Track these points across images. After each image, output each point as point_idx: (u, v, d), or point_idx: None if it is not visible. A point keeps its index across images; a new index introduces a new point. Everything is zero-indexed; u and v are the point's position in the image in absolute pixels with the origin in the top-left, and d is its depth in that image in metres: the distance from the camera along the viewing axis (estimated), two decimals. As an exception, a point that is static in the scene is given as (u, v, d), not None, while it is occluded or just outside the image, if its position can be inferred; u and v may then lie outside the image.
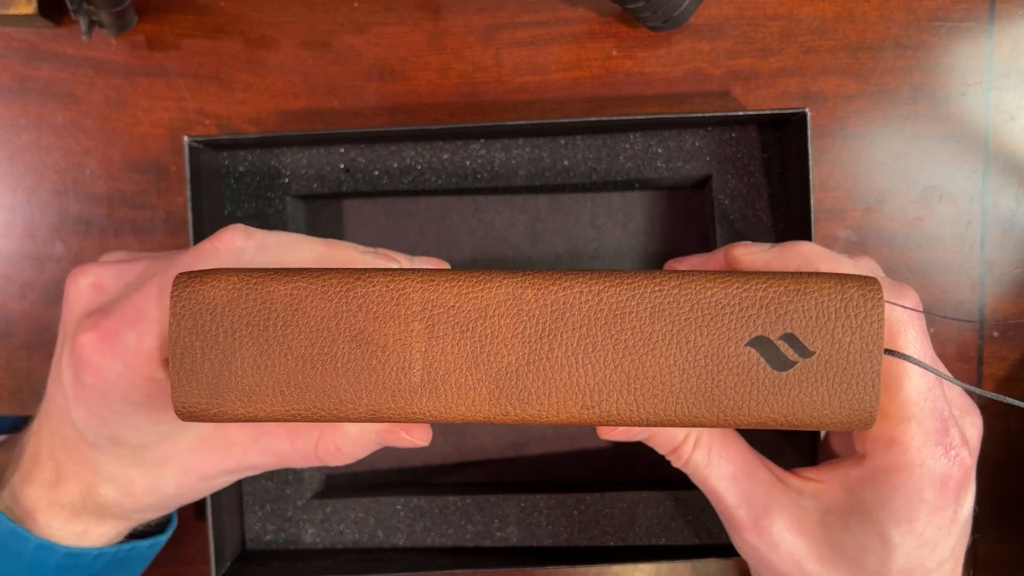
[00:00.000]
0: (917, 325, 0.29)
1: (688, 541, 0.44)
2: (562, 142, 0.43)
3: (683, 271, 0.26)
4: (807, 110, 0.40)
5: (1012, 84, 0.45)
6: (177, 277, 0.26)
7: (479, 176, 0.43)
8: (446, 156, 0.43)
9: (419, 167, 0.43)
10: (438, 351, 0.26)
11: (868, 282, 0.26)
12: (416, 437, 0.33)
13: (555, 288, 0.26)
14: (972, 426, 0.32)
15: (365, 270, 0.26)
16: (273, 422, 0.27)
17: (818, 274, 0.26)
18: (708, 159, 0.43)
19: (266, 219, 0.44)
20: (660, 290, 0.26)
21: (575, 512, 0.44)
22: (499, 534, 0.44)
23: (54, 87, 0.46)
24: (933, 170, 0.45)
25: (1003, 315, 0.45)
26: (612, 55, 0.45)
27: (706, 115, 0.41)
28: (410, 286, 0.26)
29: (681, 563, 0.46)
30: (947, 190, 0.45)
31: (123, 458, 0.34)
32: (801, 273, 0.26)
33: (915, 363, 0.27)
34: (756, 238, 0.43)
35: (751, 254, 0.33)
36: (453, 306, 0.26)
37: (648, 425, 0.26)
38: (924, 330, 0.29)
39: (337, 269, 0.27)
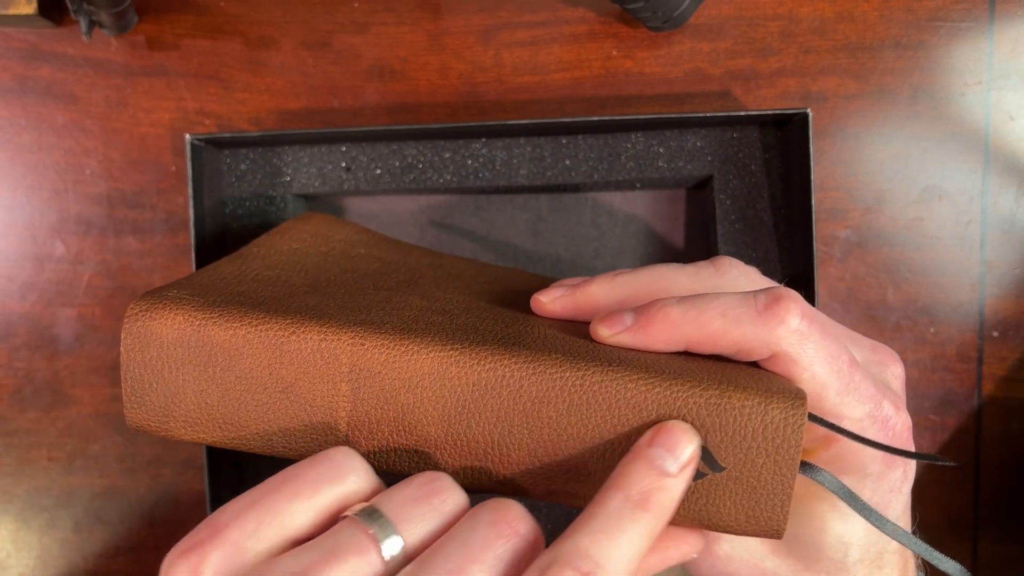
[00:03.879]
0: (815, 338, 0.27)
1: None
2: (564, 142, 0.43)
3: (609, 367, 0.26)
4: (808, 110, 0.40)
5: (1012, 84, 0.45)
6: (131, 306, 0.27)
7: (480, 175, 0.43)
8: (448, 155, 0.43)
9: (420, 166, 0.43)
10: (362, 412, 0.27)
11: (795, 404, 0.25)
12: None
13: (479, 369, 0.26)
14: (895, 376, 0.30)
15: (300, 323, 0.27)
16: (203, 442, 0.28)
17: (744, 389, 0.25)
18: (709, 159, 0.43)
19: (267, 217, 0.44)
20: (581, 384, 0.26)
21: (574, 512, 0.44)
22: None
23: (54, 87, 0.46)
24: (933, 170, 0.45)
25: (1003, 315, 0.45)
26: (612, 55, 0.45)
27: (707, 115, 0.41)
28: (340, 347, 0.26)
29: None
30: (947, 190, 0.45)
31: None
32: (727, 386, 0.25)
33: (827, 484, 0.27)
34: (757, 239, 0.43)
35: (598, 291, 0.31)
36: (379, 372, 0.26)
37: (548, 501, 0.27)
38: (823, 336, 0.27)
39: (275, 318, 0.27)
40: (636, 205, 0.46)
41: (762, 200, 0.43)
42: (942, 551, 0.32)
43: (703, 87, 0.45)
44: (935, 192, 0.45)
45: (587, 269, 0.46)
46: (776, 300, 0.27)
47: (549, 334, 0.28)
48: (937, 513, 0.46)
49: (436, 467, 0.27)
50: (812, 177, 0.40)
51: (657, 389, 0.25)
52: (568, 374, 0.26)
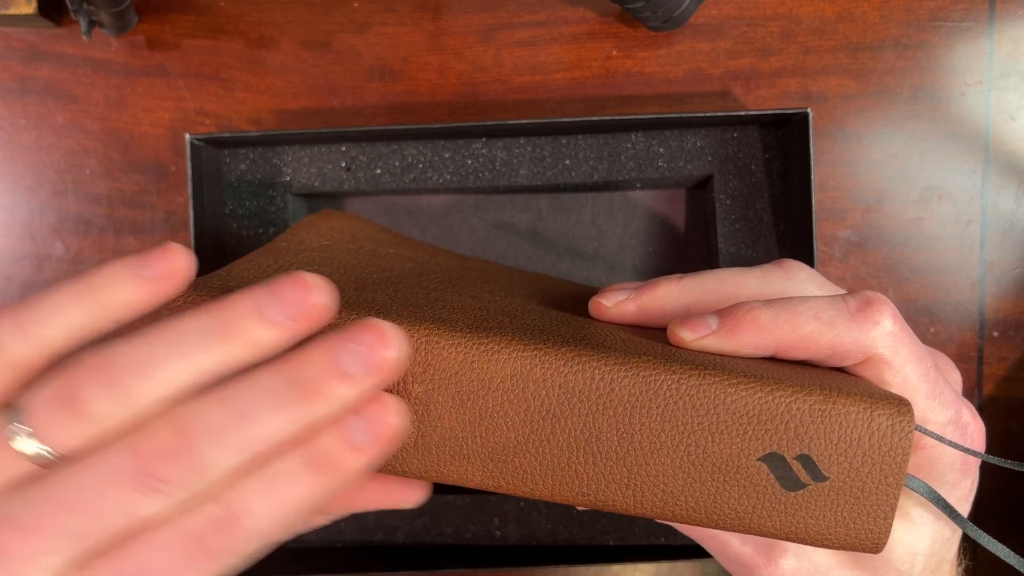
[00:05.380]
0: (907, 341, 0.27)
1: (688, 541, 0.44)
2: (564, 141, 0.43)
3: (706, 371, 0.24)
4: (809, 110, 0.40)
5: (1012, 84, 0.45)
6: (181, 300, 0.24)
7: (480, 175, 0.43)
8: (448, 155, 0.43)
9: (420, 165, 0.43)
10: (435, 417, 0.25)
11: (901, 411, 0.24)
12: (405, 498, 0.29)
13: (566, 371, 0.24)
14: (956, 383, 0.30)
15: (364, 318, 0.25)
16: None
17: (848, 395, 0.24)
18: (710, 159, 0.43)
19: (267, 217, 0.44)
20: (677, 388, 0.24)
21: (575, 511, 0.44)
22: (498, 533, 0.44)
23: (54, 87, 0.46)
24: (933, 170, 0.45)
25: (1003, 315, 0.45)
26: (612, 55, 0.45)
27: (708, 115, 0.41)
28: (413, 345, 0.24)
29: (681, 563, 0.46)
30: (947, 190, 0.45)
31: None
32: (831, 392, 0.24)
33: (921, 491, 0.26)
34: (757, 238, 0.43)
35: (667, 295, 0.29)
36: (456, 373, 0.24)
37: (638, 515, 0.25)
38: (912, 340, 0.27)
39: (337, 313, 0.24)
40: (636, 205, 0.46)
41: (762, 200, 0.43)
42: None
43: (703, 87, 0.45)
44: (935, 192, 0.45)
45: (587, 269, 0.46)
46: (869, 303, 0.26)
47: (623, 336, 0.27)
48: (937, 513, 0.46)
49: (516, 475, 0.25)
50: (812, 177, 0.40)
51: (758, 394, 0.24)
52: (663, 377, 0.24)
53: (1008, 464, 0.28)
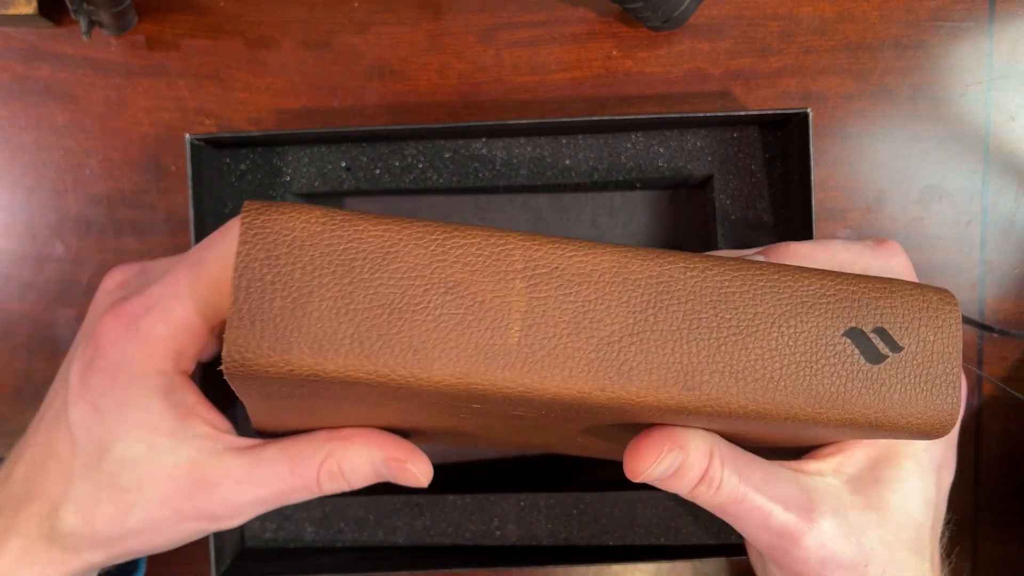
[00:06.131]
0: (914, 277, 0.32)
1: (688, 541, 0.44)
2: (564, 141, 0.43)
3: (778, 264, 0.26)
4: (809, 110, 0.40)
5: (1012, 84, 0.45)
6: (247, 205, 0.23)
7: (480, 175, 0.43)
8: (448, 155, 0.43)
9: (421, 165, 0.43)
10: (539, 312, 0.24)
11: (940, 289, 0.27)
12: (420, 471, 0.32)
13: (661, 261, 0.25)
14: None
15: (461, 224, 0.24)
16: (335, 381, 0.24)
17: (898, 280, 0.27)
18: (710, 159, 0.43)
19: (267, 218, 0.44)
20: (762, 274, 0.26)
21: (575, 511, 0.44)
22: (498, 533, 0.44)
23: (54, 87, 0.46)
24: (933, 170, 0.45)
25: (1003, 315, 0.45)
26: (612, 55, 0.45)
27: (708, 115, 0.41)
28: (512, 242, 0.24)
29: (681, 563, 0.46)
30: (947, 190, 0.45)
31: (98, 475, 0.31)
32: (883, 277, 0.27)
33: (989, 378, 0.31)
34: (757, 238, 0.43)
35: None
36: (557, 267, 0.24)
37: (745, 416, 0.25)
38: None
39: (431, 221, 0.24)
40: (636, 205, 0.46)
41: (762, 200, 0.43)
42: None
43: (703, 87, 0.45)
44: (935, 192, 0.45)
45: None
46: (885, 240, 0.31)
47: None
48: (937, 513, 0.46)
49: (622, 371, 0.25)
50: (812, 177, 0.40)
51: (829, 279, 0.26)
52: (747, 266, 0.26)
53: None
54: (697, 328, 0.25)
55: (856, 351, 0.26)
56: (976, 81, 0.45)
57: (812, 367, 0.26)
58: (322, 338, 0.23)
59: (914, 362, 0.26)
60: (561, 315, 0.24)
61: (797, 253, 0.31)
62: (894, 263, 0.31)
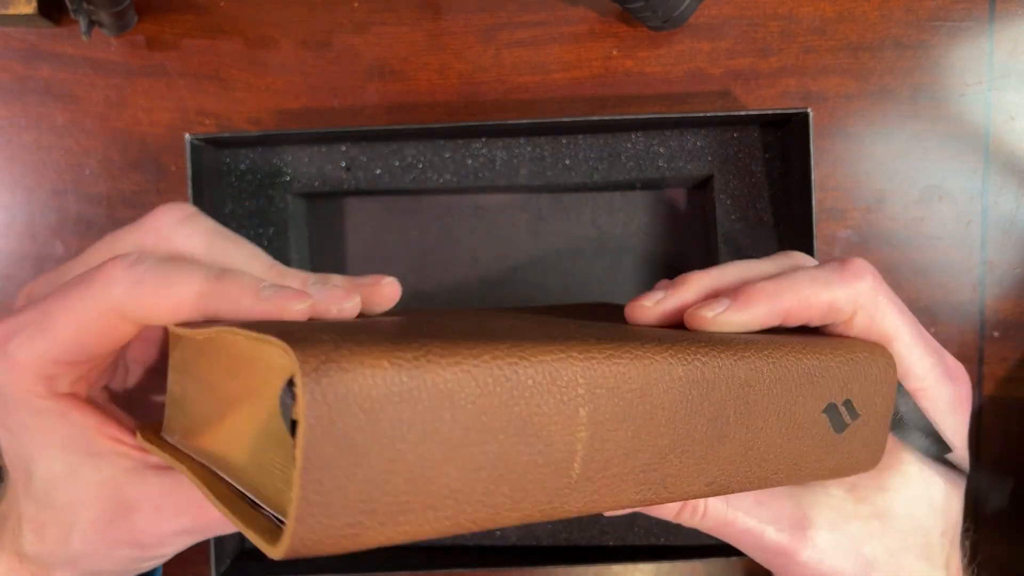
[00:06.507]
0: (884, 291, 0.31)
1: (688, 541, 0.44)
2: (564, 141, 0.43)
3: (780, 338, 0.28)
4: (809, 110, 0.40)
5: (1012, 84, 0.45)
6: (305, 363, 0.19)
7: (480, 175, 0.43)
8: (448, 155, 0.43)
9: (421, 165, 0.43)
10: (599, 442, 0.23)
11: (883, 350, 0.30)
12: None
13: (698, 364, 0.25)
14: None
15: (521, 345, 0.22)
16: (402, 541, 0.21)
17: (853, 344, 0.29)
18: (710, 159, 0.43)
19: (267, 217, 0.44)
20: (773, 360, 0.27)
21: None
22: (498, 533, 0.44)
23: (54, 87, 0.46)
24: (933, 170, 0.45)
25: (1003, 315, 0.45)
26: (612, 55, 0.45)
27: (708, 115, 0.41)
28: (574, 366, 0.22)
29: (681, 563, 0.46)
30: (947, 190, 0.45)
31: (35, 495, 0.29)
32: (846, 344, 0.29)
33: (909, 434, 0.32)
34: (757, 238, 0.43)
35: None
36: (615, 387, 0.23)
37: (742, 491, 0.27)
38: (888, 292, 0.31)
39: (492, 343, 0.22)
40: (636, 205, 0.46)
41: (762, 200, 0.43)
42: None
43: (703, 87, 0.45)
44: (936, 192, 0.45)
45: (587, 269, 0.46)
46: (851, 263, 0.31)
47: (673, 333, 0.28)
48: (937, 513, 0.46)
49: (663, 482, 0.25)
50: (812, 177, 0.40)
51: (815, 356, 0.28)
52: (762, 353, 0.27)
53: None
54: (723, 427, 0.26)
55: (829, 424, 0.28)
56: (976, 81, 0.45)
57: (799, 444, 0.28)
58: (398, 507, 0.20)
59: (866, 426, 0.29)
60: (618, 443, 0.23)
61: (764, 293, 0.30)
62: (861, 287, 0.30)
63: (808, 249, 0.41)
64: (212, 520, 0.29)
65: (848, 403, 0.28)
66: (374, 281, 0.29)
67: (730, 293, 0.29)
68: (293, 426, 0.19)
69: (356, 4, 0.45)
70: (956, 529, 0.33)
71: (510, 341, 0.22)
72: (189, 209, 0.30)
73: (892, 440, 0.31)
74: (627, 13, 0.43)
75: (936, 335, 0.45)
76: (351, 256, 0.46)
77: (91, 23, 0.43)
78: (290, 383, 0.19)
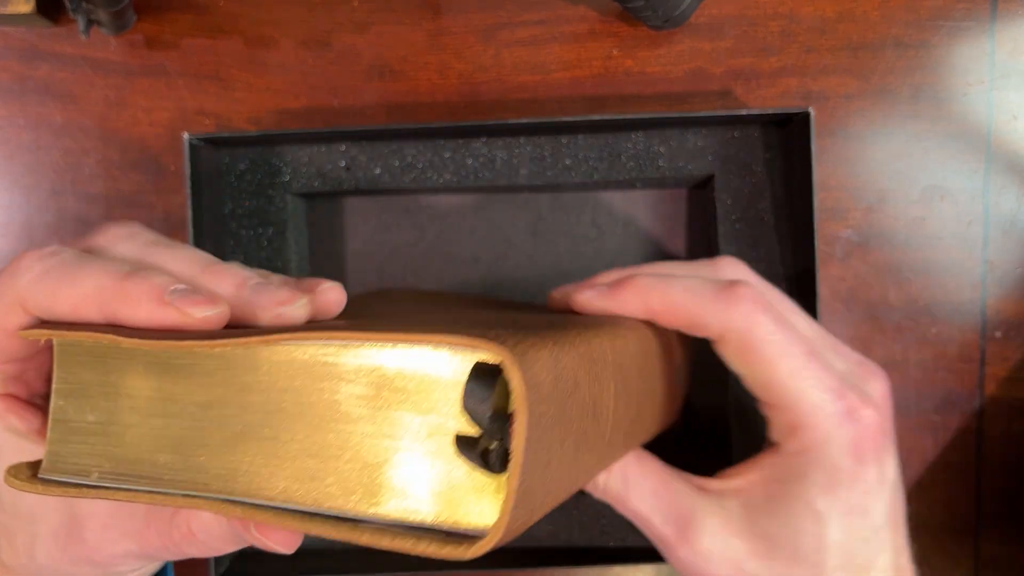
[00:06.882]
0: (767, 327, 0.30)
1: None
2: (564, 141, 0.43)
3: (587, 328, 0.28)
4: (811, 109, 0.40)
5: (1014, 84, 0.45)
6: (507, 359, 0.19)
7: (480, 174, 0.43)
8: (448, 154, 0.43)
9: (420, 165, 0.43)
10: (621, 407, 0.27)
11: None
12: (275, 542, 0.26)
13: (641, 339, 0.30)
14: (875, 390, 0.31)
15: (584, 329, 0.25)
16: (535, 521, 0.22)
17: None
18: (710, 158, 0.43)
19: (266, 217, 0.44)
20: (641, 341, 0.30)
21: (574, 512, 0.44)
22: (499, 535, 0.44)
23: (53, 87, 0.46)
24: (934, 170, 0.45)
25: (1005, 315, 0.45)
26: (612, 54, 0.45)
27: (709, 114, 0.41)
28: (607, 347, 0.26)
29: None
30: (948, 190, 0.45)
31: (4, 502, 0.29)
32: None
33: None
34: (758, 238, 0.43)
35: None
36: (623, 365, 0.27)
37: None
38: (778, 327, 0.30)
39: (572, 328, 0.24)
40: (636, 205, 0.46)
41: (763, 200, 0.43)
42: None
43: (704, 86, 0.45)
44: (937, 192, 0.45)
45: (587, 269, 0.46)
46: (734, 287, 0.30)
47: (574, 317, 0.31)
48: (939, 514, 0.46)
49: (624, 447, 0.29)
50: (814, 176, 0.40)
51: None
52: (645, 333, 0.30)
53: None
54: (634, 383, 0.29)
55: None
56: (978, 81, 0.45)
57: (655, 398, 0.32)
58: (551, 491, 0.22)
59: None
60: (627, 404, 0.28)
61: (634, 285, 0.31)
62: (733, 314, 0.29)
63: (809, 249, 0.40)
64: (159, 546, 0.28)
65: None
66: (312, 285, 0.27)
67: (614, 280, 0.32)
68: (490, 423, 0.20)
69: (356, 4, 0.45)
70: (856, 564, 0.30)
71: (576, 328, 0.24)
72: (135, 226, 0.28)
73: (795, 473, 0.30)
74: (627, 12, 0.43)
75: (937, 335, 0.45)
76: (351, 256, 0.46)
77: (90, 22, 0.43)
78: (478, 378, 0.20)
